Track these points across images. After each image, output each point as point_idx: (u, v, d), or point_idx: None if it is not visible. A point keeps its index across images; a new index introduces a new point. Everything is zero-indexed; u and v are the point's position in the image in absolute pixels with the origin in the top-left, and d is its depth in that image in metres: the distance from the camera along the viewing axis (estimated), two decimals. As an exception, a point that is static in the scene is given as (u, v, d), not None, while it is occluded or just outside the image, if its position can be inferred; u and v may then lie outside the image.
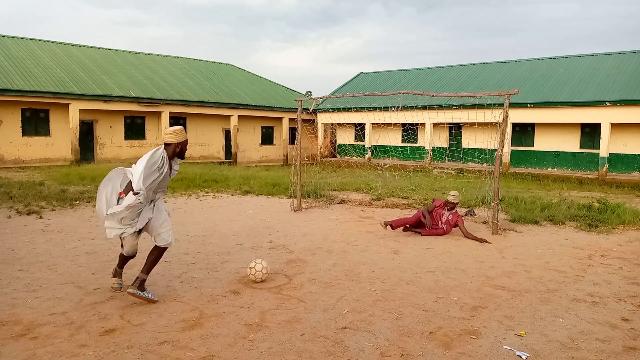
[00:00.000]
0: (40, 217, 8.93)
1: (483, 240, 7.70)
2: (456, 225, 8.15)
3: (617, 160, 21.68)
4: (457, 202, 8.26)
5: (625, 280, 5.74)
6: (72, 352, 3.64)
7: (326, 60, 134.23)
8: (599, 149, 21.25)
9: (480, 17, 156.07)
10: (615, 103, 20.25)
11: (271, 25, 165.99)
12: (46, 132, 21.52)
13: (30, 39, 25.41)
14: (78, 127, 21.23)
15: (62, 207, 10.04)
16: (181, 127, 4.76)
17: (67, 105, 21.15)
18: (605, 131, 20.71)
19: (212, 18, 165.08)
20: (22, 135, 20.82)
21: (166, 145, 4.70)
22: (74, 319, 4.24)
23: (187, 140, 4.76)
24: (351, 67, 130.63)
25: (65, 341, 3.81)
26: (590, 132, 22.42)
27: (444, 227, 8.16)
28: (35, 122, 21.24)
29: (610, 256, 6.91)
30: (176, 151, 4.72)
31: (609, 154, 21.09)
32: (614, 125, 20.96)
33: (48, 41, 26.12)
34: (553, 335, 4.11)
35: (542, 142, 23.83)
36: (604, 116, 20.67)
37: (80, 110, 21.35)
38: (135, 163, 4.70)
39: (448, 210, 8.22)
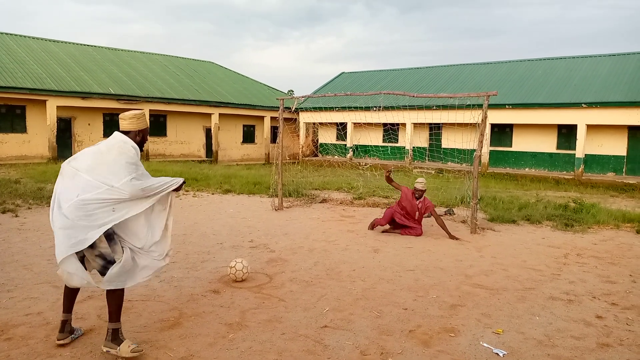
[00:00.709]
0: (16, 216, 8.76)
1: (455, 238, 7.80)
2: (427, 210, 8.18)
3: (593, 161, 22.13)
4: (425, 189, 8.18)
5: (599, 279, 5.87)
6: (48, 353, 3.58)
7: (309, 59, 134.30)
8: (575, 149, 21.66)
9: (463, 19, 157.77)
10: (591, 105, 20.67)
11: (255, 23, 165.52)
12: (22, 129, 21.07)
13: (6, 34, 24.86)
14: (55, 124, 20.82)
15: (39, 205, 9.85)
16: (142, 111, 3.90)
17: (44, 101, 20.74)
18: (581, 132, 21.12)
19: (196, 16, 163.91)
20: (-3, 132, 20.38)
21: (123, 133, 3.72)
22: (50, 319, 4.17)
23: (148, 127, 3.86)
24: (334, 67, 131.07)
25: (40, 342, 3.75)
26: (566, 134, 22.84)
27: (417, 218, 8.15)
28: (11, 118, 20.77)
29: (585, 255, 7.05)
30: (136, 141, 3.74)
31: (585, 154, 21.52)
32: (589, 127, 21.39)
33: (25, 36, 25.57)
34: (529, 333, 4.19)
35: (520, 143, 24.19)
36: (580, 118, 21.08)
37: (57, 107, 20.95)
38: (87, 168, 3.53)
39: (417, 198, 8.19)
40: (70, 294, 3.74)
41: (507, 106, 22.67)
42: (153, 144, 25.06)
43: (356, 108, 23.18)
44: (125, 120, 3.74)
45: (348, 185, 14.23)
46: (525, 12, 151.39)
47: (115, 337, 3.55)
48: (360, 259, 6.52)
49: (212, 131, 27.13)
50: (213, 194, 12.72)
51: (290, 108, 12.86)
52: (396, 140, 27.22)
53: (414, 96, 9.66)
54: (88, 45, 28.05)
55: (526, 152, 24.00)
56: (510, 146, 24.46)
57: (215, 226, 8.49)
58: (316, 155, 30.44)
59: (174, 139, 26.43)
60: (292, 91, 50.32)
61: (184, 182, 3.79)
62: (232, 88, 30.58)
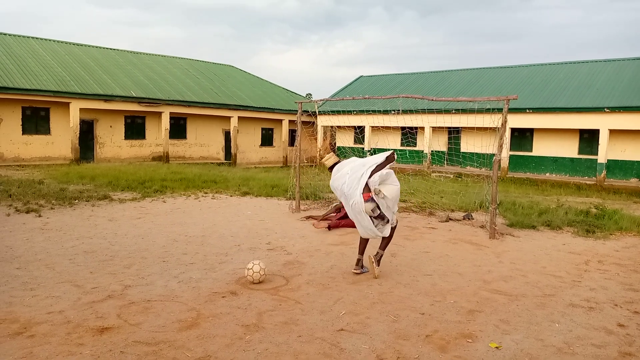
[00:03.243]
0: (39, 216, 8.94)
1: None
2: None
3: (615, 167, 21.72)
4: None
5: (621, 286, 5.76)
6: (69, 351, 3.65)
7: (327, 63, 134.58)
8: (597, 155, 21.28)
9: (483, 23, 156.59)
10: (614, 109, 20.30)
11: (273, 27, 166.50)
12: (46, 131, 21.53)
13: (32, 38, 25.43)
14: (78, 126, 21.23)
15: (61, 205, 10.04)
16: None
17: (67, 104, 21.15)
18: (603, 137, 20.75)
19: (214, 19, 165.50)
20: (22, 134, 20.82)
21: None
22: (71, 318, 4.25)
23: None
24: (352, 71, 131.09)
25: (62, 340, 3.82)
26: (588, 138, 22.46)
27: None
28: (36, 120, 21.24)
29: (607, 262, 6.93)
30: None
31: (607, 160, 21.13)
32: (612, 132, 21.01)
33: (49, 40, 26.14)
34: (549, 340, 4.13)
35: (541, 148, 23.87)
36: (602, 122, 20.72)
37: (80, 109, 21.36)
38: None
39: None
40: (364, 242, 5.92)
41: (527, 110, 22.40)
42: (173, 147, 25.36)
43: (374, 111, 23.16)
44: (330, 160, 6.05)
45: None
46: (546, 16, 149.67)
47: (379, 260, 5.81)
48: (377, 262, 6.49)
49: (231, 134, 27.35)
50: (231, 196, 12.82)
51: (308, 111, 12.90)
52: (414, 144, 27.09)
53: (433, 100, 9.62)
54: (110, 49, 28.55)
55: (547, 157, 23.67)
56: (531, 151, 24.14)
57: (233, 228, 8.55)
58: (334, 159, 30.39)
59: (193, 141, 26.71)
60: (311, 95, 50.46)
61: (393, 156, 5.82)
62: (251, 91, 30.80)
